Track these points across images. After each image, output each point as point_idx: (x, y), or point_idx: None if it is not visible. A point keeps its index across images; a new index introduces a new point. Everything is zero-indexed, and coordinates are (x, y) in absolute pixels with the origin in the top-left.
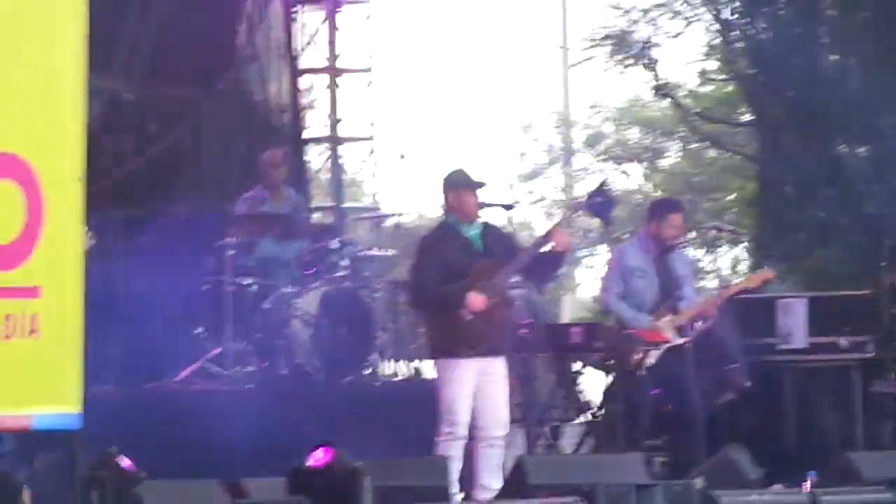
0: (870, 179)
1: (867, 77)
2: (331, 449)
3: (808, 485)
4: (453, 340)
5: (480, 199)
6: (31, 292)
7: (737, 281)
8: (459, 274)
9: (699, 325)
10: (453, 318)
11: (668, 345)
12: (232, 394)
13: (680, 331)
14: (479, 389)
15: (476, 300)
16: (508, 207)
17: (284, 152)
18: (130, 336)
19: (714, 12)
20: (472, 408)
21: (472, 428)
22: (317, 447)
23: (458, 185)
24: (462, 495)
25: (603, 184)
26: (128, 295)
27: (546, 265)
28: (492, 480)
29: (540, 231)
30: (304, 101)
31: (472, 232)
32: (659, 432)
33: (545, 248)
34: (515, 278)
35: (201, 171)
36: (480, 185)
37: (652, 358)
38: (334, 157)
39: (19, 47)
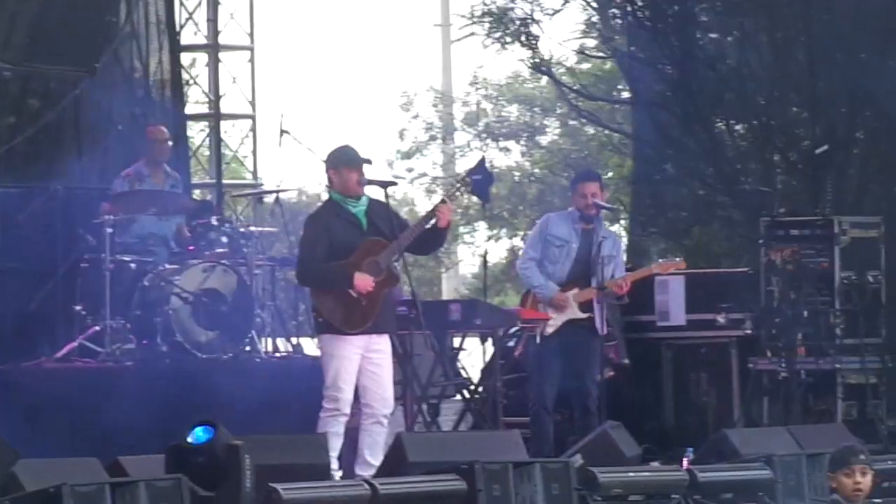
0: (747, 156)
1: (744, 54)
2: (211, 426)
3: (685, 461)
4: (339, 317)
5: (363, 177)
6: None
7: (649, 266)
8: (346, 251)
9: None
10: (340, 297)
11: (568, 317)
12: (111, 371)
13: (583, 306)
14: (365, 367)
15: (363, 283)
16: (388, 185)
17: (167, 129)
18: (8, 313)
19: None
20: (355, 385)
21: (359, 405)
22: (196, 424)
23: (341, 163)
24: (340, 472)
25: (481, 161)
26: (6, 272)
27: (429, 241)
28: (374, 457)
29: (421, 208)
30: (184, 77)
31: (358, 209)
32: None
33: (429, 225)
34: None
35: (82, 148)
36: (364, 162)
37: (550, 328)
38: (215, 133)
39: None
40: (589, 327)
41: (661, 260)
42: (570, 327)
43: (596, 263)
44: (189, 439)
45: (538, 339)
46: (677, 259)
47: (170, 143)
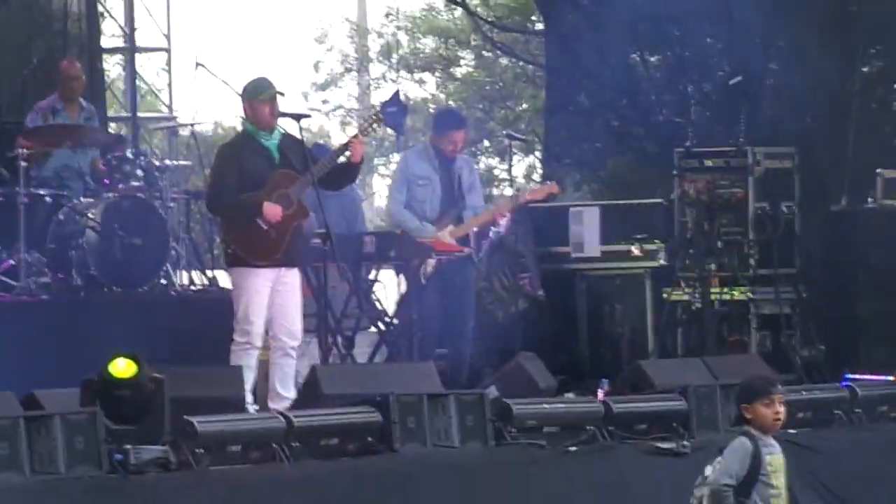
0: (661, 88)
1: None
2: (130, 358)
3: (600, 393)
4: (249, 250)
5: (276, 109)
6: None
7: (521, 192)
8: (257, 183)
9: (493, 232)
10: (249, 228)
11: (447, 254)
12: (26, 305)
13: (461, 241)
14: (273, 299)
15: (273, 211)
16: (301, 117)
17: (81, 63)
18: None
19: None
20: (266, 317)
21: (267, 338)
22: (114, 357)
23: (254, 95)
24: (256, 406)
25: (396, 94)
26: None
27: (342, 175)
28: (285, 390)
29: (336, 140)
30: (99, 10)
31: (271, 142)
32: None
33: (341, 158)
34: (310, 187)
35: None
36: (276, 94)
37: (429, 266)
38: (130, 66)
39: None
40: (466, 260)
41: (530, 185)
42: (449, 263)
43: (460, 196)
44: (108, 372)
45: (423, 280)
46: (548, 182)
47: (82, 77)
